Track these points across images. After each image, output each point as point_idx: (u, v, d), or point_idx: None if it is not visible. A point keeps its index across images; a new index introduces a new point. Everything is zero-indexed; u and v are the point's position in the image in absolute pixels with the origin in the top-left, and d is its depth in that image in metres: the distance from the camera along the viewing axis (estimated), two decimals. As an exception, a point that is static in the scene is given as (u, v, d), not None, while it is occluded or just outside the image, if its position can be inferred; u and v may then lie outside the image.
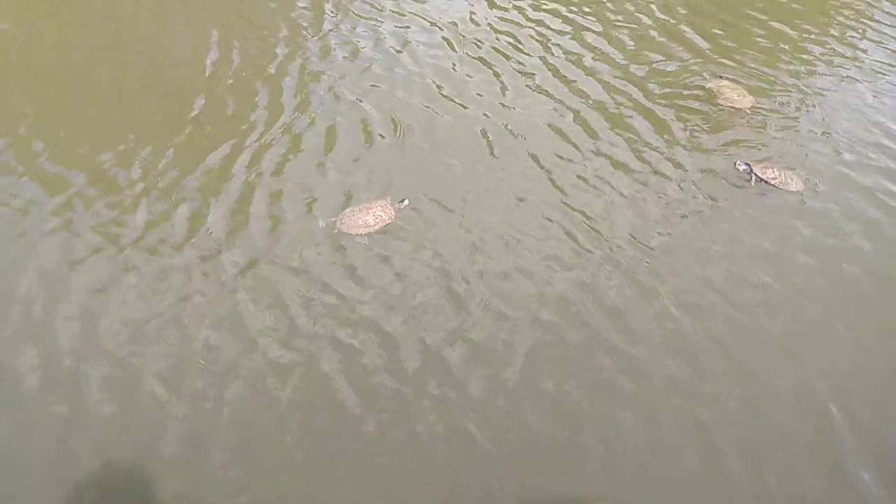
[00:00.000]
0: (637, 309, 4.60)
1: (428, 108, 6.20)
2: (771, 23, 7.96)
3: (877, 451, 3.98)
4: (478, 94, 6.43)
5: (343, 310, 4.45)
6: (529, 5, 7.93)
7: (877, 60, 7.49)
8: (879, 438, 4.06)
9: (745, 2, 8.39)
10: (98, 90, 6.15)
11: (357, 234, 4.91)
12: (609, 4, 8.10)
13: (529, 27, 7.52)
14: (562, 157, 5.79)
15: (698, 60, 7.14)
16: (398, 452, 3.83)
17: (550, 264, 4.87)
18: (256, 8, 7.45)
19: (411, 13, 7.56)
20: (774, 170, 5.60)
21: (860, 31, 8.06)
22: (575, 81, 6.71)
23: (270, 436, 3.85)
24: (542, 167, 5.68)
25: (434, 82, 6.51)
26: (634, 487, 3.79)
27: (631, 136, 6.10)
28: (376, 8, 7.60)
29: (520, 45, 7.19)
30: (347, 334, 4.32)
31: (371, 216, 4.96)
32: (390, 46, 6.98)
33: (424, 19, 7.45)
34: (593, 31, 7.51)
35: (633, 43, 7.41)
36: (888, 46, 7.77)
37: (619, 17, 7.86)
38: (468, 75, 6.68)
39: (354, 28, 7.24)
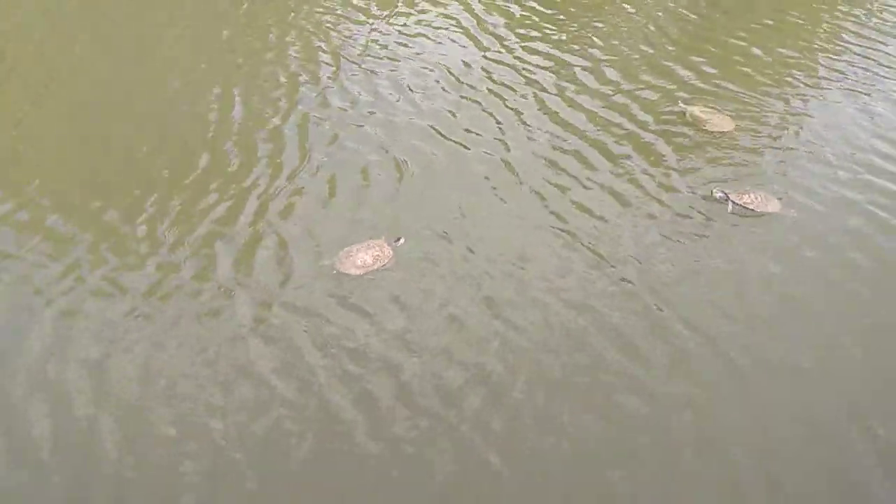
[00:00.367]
0: (643, 331, 4.68)
1: (427, 148, 6.35)
2: (752, 48, 8.23)
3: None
4: (476, 134, 6.60)
5: (357, 351, 4.51)
6: (517, 45, 8.19)
7: (857, 81, 7.75)
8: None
9: (727, 30, 8.69)
10: (110, 150, 6.31)
11: (357, 274, 4.96)
12: (597, 40, 8.36)
13: (518, 65, 7.76)
14: (559, 187, 5.96)
15: (683, 89, 7.39)
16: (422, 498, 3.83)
17: (557, 292, 4.95)
18: (256, 62, 7.68)
19: (405, 58, 7.80)
20: (751, 194, 5.75)
21: (838, 52, 8.34)
22: (565, 114, 6.92)
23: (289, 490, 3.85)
24: (540, 197, 5.84)
25: (431, 125, 6.68)
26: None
27: (623, 163, 6.28)
28: (371, 56, 7.84)
29: (510, 84, 7.41)
30: (361, 374, 4.37)
31: (370, 256, 5.03)
32: (387, 92, 7.17)
33: (418, 64, 7.68)
34: (580, 67, 7.76)
35: (619, 75, 7.64)
36: (868, 68, 8.03)
37: (605, 52, 8.11)
38: (463, 115, 6.86)
39: (350, 75, 7.45)
